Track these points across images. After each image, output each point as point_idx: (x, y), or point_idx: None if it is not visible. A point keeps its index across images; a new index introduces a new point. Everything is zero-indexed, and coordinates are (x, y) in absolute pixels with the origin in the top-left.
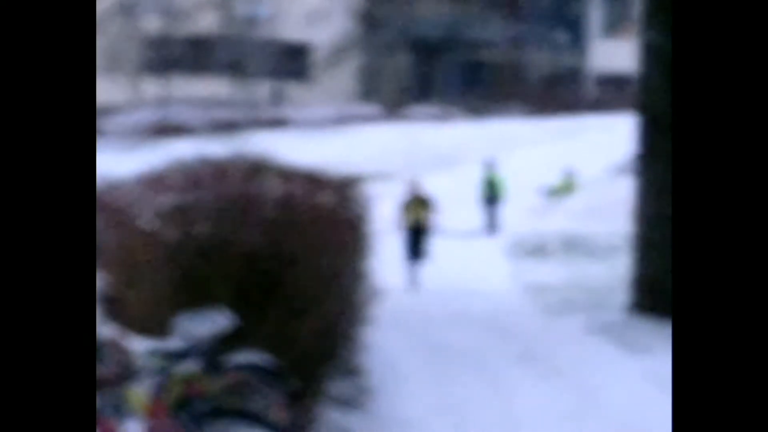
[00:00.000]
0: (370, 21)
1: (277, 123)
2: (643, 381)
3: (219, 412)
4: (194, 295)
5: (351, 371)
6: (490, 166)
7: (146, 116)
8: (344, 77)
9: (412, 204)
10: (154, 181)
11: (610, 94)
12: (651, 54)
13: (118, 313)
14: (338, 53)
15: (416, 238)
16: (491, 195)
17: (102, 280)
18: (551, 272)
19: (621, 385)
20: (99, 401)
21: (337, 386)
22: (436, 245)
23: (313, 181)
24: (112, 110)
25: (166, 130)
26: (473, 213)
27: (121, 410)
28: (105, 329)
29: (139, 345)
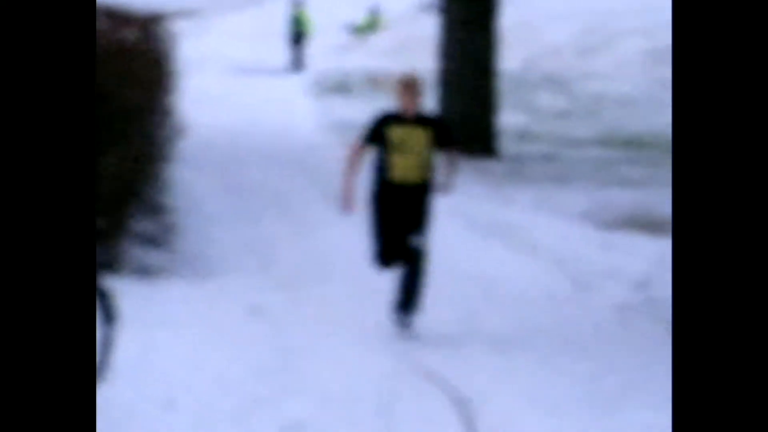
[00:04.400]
0: None
1: None
2: (450, 217)
3: None
4: None
5: (155, 209)
6: (297, 4)
7: None
8: None
9: (398, 135)
10: None
11: None
12: None
13: None
14: None
15: (405, 220)
16: (298, 33)
17: None
18: (356, 110)
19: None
20: None
21: (141, 224)
22: (241, 83)
23: (115, 17)
24: None
25: None
26: (279, 51)
27: None
28: None
29: None
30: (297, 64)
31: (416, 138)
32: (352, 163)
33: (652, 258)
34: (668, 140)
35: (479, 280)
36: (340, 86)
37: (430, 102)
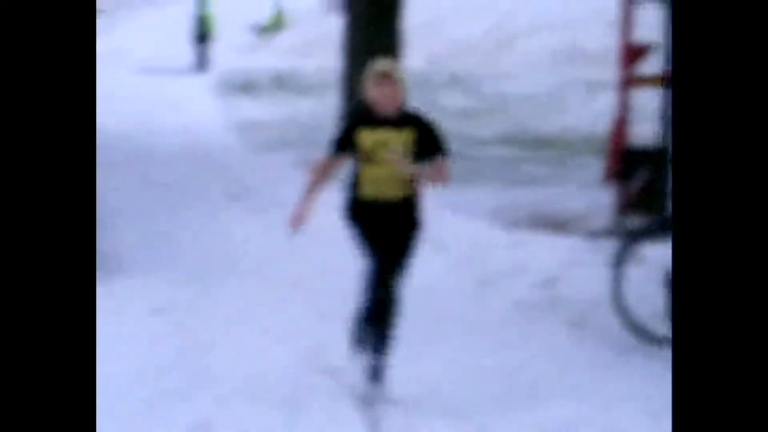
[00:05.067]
0: None
1: None
2: None
3: None
4: None
5: None
6: (201, 3)
7: None
8: None
9: (369, 140)
10: None
11: None
12: None
13: None
14: None
15: (382, 248)
16: (202, 32)
17: None
18: (262, 109)
19: (330, 217)
20: None
21: None
22: (145, 82)
23: None
24: None
25: None
26: (184, 50)
27: None
28: None
29: None
30: (202, 63)
31: (393, 143)
32: (316, 177)
33: (557, 256)
34: (573, 139)
35: None
36: (245, 86)
37: (334, 100)
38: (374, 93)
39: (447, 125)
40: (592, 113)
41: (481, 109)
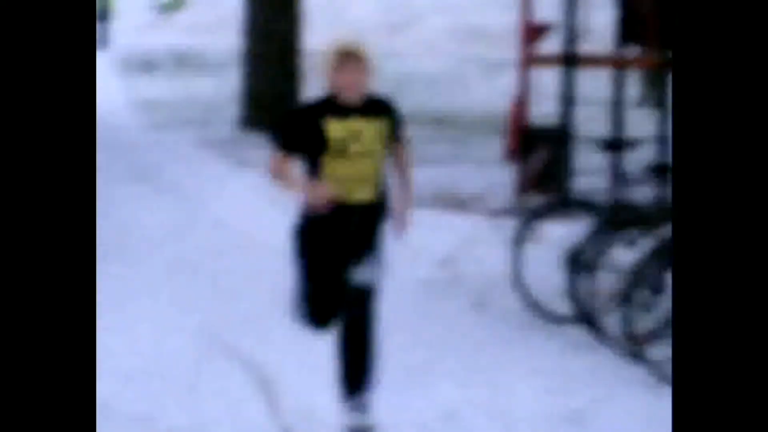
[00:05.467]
0: None
1: None
2: (251, 193)
3: None
4: None
5: None
6: None
7: None
8: None
9: (337, 131)
10: None
11: None
12: None
13: None
14: None
15: (346, 256)
16: (102, 9)
17: None
18: (161, 88)
19: (231, 197)
20: None
21: None
22: None
23: None
24: None
25: None
26: None
27: None
28: None
29: None
30: (101, 41)
31: (366, 134)
32: (280, 174)
33: (457, 235)
34: (472, 118)
35: (279, 254)
36: (145, 64)
37: (234, 79)
38: (337, 77)
39: None
40: (492, 92)
41: (380, 89)
